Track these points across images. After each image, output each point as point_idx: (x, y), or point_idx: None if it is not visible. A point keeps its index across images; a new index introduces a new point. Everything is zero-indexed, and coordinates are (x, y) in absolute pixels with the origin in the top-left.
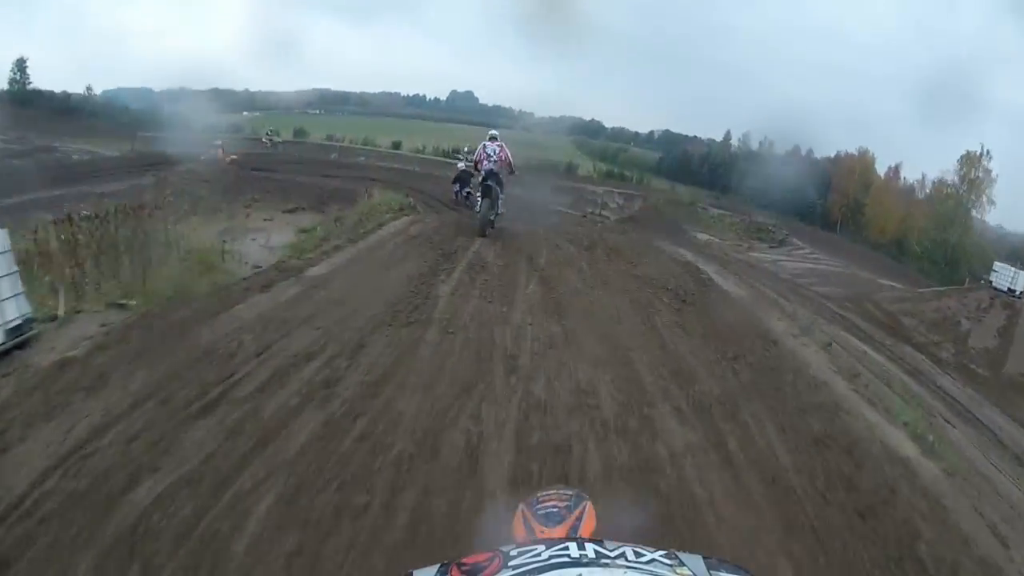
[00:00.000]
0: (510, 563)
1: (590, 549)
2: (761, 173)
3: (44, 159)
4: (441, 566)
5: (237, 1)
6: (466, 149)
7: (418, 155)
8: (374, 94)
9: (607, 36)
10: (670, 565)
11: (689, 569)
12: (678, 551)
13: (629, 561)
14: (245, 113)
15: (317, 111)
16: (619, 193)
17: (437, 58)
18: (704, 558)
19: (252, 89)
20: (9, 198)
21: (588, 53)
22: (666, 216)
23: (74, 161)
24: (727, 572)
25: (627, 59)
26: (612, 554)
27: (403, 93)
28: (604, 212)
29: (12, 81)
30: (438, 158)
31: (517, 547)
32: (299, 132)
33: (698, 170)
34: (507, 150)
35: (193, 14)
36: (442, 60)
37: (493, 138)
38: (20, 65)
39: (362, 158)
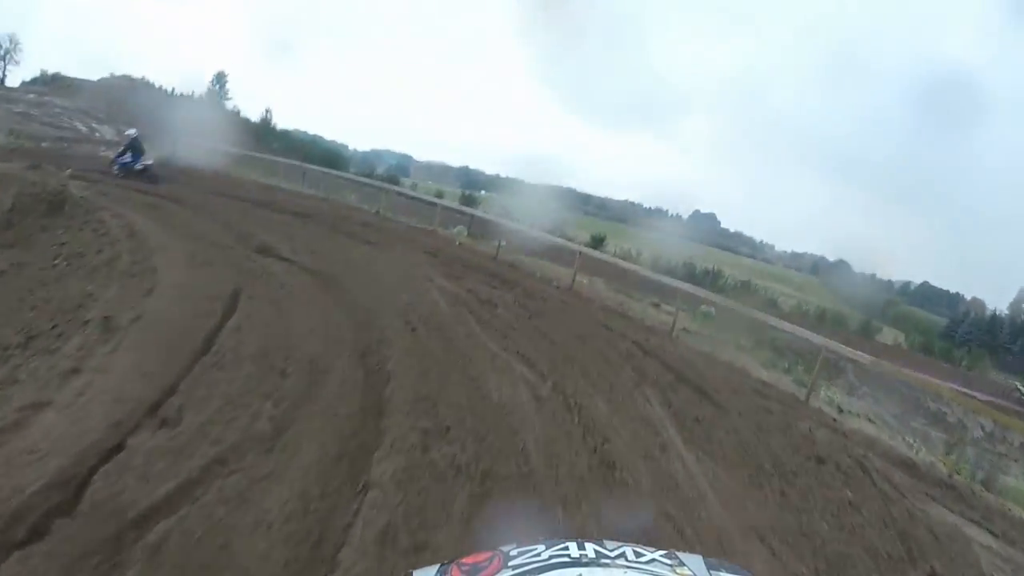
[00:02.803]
0: (510, 563)
1: (590, 549)
2: None
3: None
4: (441, 566)
5: (501, 96)
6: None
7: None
8: (616, 201)
9: (861, 167)
10: (670, 565)
11: (689, 569)
12: (678, 551)
13: (629, 561)
14: (483, 192)
15: (554, 205)
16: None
17: (684, 175)
18: (704, 558)
19: (502, 175)
20: None
21: (838, 184)
22: None
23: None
24: (727, 572)
25: (882, 194)
26: (612, 554)
27: (645, 205)
28: None
29: (209, 92)
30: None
31: (517, 547)
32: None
33: (1008, 347)
34: None
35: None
36: (689, 178)
37: None
38: (220, 79)
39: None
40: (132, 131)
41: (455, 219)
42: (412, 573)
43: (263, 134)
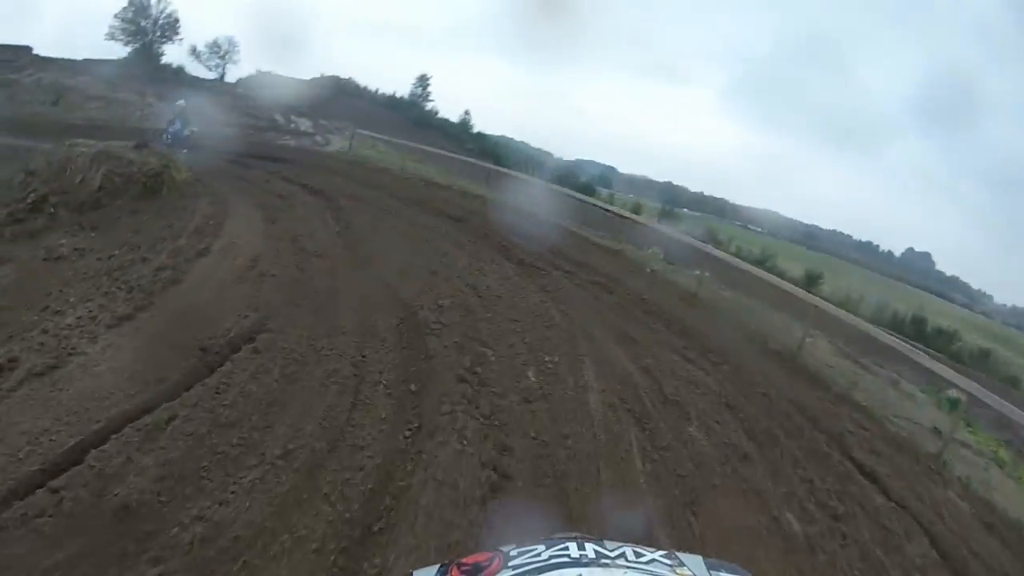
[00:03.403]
0: (510, 563)
1: (590, 549)
2: None
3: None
4: (441, 566)
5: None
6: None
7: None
8: (823, 230)
9: None
10: (670, 565)
11: (689, 569)
12: (678, 551)
13: (629, 561)
14: (685, 210)
15: (759, 229)
16: None
17: (899, 207)
18: (704, 558)
19: (706, 193)
20: None
21: None
22: None
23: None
24: (727, 572)
25: None
26: (612, 554)
27: (855, 237)
28: None
29: (412, 94)
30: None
31: (517, 547)
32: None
33: None
34: None
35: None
36: (903, 210)
37: None
38: (422, 81)
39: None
40: (181, 102)
41: (650, 238)
42: (412, 573)
43: (459, 135)
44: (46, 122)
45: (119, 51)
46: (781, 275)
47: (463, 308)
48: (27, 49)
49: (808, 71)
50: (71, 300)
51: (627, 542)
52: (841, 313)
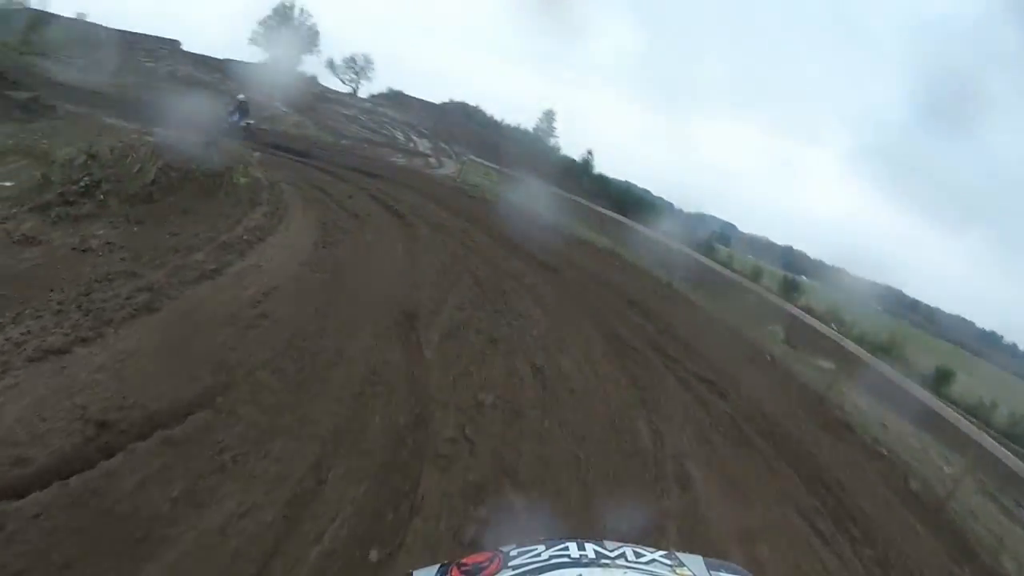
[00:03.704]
0: (510, 563)
1: (590, 549)
2: None
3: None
4: (441, 566)
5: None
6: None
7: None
8: (947, 314)
9: None
10: (670, 565)
11: (689, 569)
12: (678, 551)
13: (629, 561)
14: (804, 277)
15: (879, 308)
16: None
17: None
18: (704, 558)
19: (827, 261)
20: None
21: None
22: None
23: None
24: (727, 572)
25: None
26: (612, 554)
27: (978, 324)
28: None
29: (536, 128)
30: None
31: (517, 547)
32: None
33: None
34: None
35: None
36: None
37: None
38: (548, 116)
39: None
40: (242, 96)
41: (768, 311)
42: (412, 573)
43: (580, 175)
44: (163, 110)
45: (259, 55)
46: (910, 368)
47: (511, 410)
48: (175, 43)
49: (939, 143)
50: (26, 312)
51: (627, 542)
52: (996, 448)
